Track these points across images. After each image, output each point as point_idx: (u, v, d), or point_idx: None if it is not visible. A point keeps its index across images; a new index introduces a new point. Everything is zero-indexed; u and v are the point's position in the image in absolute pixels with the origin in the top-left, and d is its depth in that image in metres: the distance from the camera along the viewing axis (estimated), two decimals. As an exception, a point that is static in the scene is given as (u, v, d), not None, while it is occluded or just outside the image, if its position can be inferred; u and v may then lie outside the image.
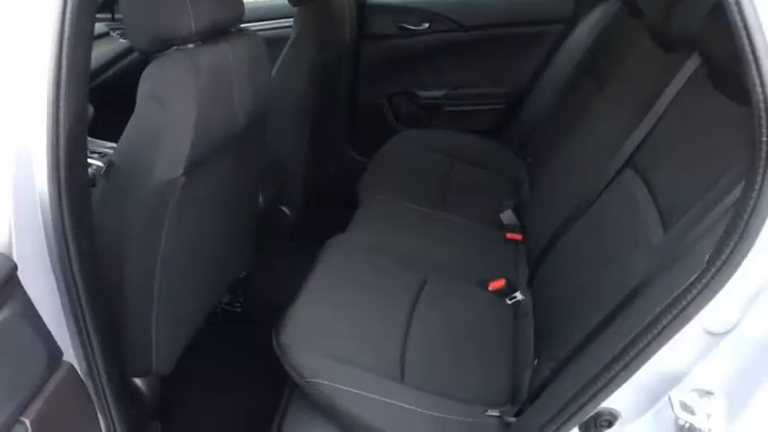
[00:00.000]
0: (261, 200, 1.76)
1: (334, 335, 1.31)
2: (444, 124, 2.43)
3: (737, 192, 0.85)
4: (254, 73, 1.26)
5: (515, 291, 1.55)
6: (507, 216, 1.89)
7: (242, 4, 1.22)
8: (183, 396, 1.59)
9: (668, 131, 1.21)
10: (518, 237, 1.80)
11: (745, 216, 0.69)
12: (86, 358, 0.99)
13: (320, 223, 1.75)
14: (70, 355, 0.97)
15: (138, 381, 1.31)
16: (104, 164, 1.09)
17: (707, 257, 0.73)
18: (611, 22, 1.97)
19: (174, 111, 1.04)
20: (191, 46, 1.08)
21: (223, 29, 1.17)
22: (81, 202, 0.89)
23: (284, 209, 2.00)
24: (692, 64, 1.19)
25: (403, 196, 1.88)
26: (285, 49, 1.82)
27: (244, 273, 1.80)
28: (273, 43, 1.78)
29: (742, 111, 0.97)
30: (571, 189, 1.51)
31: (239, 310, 1.89)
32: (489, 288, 1.56)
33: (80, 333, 0.96)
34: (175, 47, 1.07)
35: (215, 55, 1.11)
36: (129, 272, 1.14)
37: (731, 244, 0.70)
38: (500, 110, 2.41)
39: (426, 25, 2.32)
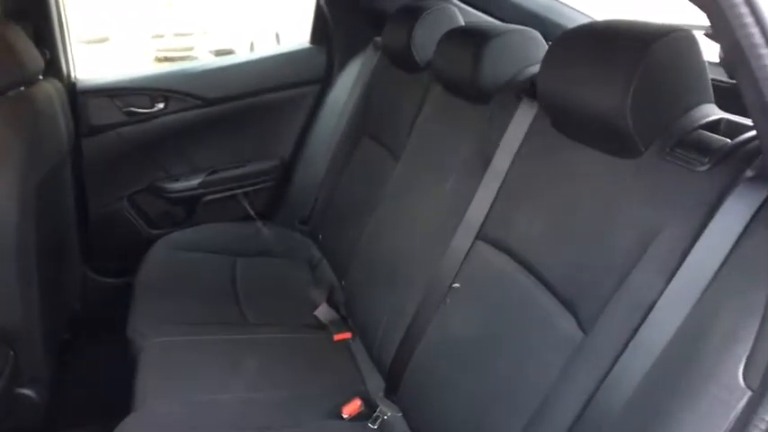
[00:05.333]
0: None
1: None
2: (208, 217, 2.04)
3: (690, 273, 0.71)
4: None
5: (375, 408, 1.27)
6: (324, 312, 1.60)
7: None
8: None
9: (523, 194, 1.06)
10: (347, 335, 1.52)
11: None
12: None
13: (84, 390, 1.26)
14: None
15: None
16: None
17: (741, 373, 0.55)
18: (373, 76, 1.84)
19: None
20: None
21: None
22: None
23: (26, 392, 1.39)
24: (527, 110, 1.07)
25: (193, 328, 1.45)
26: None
27: None
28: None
29: (624, 163, 0.87)
30: (407, 270, 1.29)
31: None
32: (344, 416, 1.25)
33: None
34: None
35: None
36: None
37: None
38: (268, 188, 2.12)
39: (161, 105, 1.92)
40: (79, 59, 1.90)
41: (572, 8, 1.68)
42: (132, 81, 1.91)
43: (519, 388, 0.93)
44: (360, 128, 1.82)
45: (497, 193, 1.11)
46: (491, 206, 1.11)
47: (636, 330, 0.77)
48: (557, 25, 1.62)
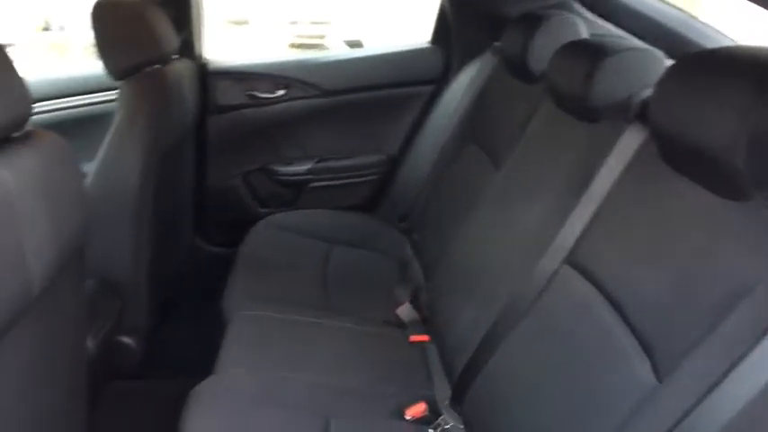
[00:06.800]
0: (91, 341, 1.30)
1: None
2: (313, 202, 2.12)
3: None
4: (57, 195, 0.85)
5: (438, 414, 1.26)
6: (405, 311, 1.61)
7: (27, 94, 0.80)
8: None
9: (618, 223, 1.00)
10: (424, 338, 1.52)
11: None
12: None
13: (177, 346, 1.38)
14: None
15: None
16: None
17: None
18: (488, 81, 1.81)
19: None
20: None
21: None
22: None
23: (126, 340, 1.53)
24: (635, 135, 1.01)
25: (280, 306, 1.52)
26: (109, 137, 1.39)
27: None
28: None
29: (730, 205, 0.79)
30: (489, 284, 1.27)
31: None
32: (407, 417, 1.25)
33: None
34: None
35: None
36: None
37: None
38: (373, 182, 2.16)
39: (282, 92, 2.01)
40: (220, 39, 2.03)
41: (713, 29, 1.54)
42: (257, 67, 2.00)
43: (580, 426, 0.88)
44: (468, 133, 1.80)
45: (592, 218, 1.06)
46: (583, 231, 1.06)
47: (717, 383, 0.72)
48: (691, 44, 1.50)
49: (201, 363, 1.31)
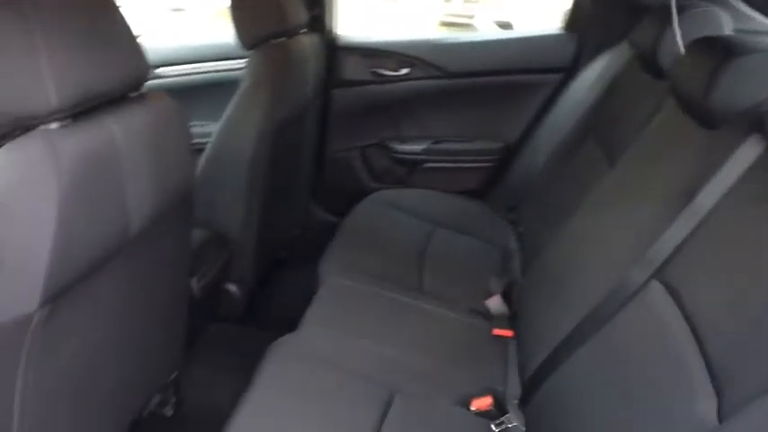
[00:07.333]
0: (196, 284, 1.44)
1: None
2: (424, 183, 2.13)
3: None
4: (163, 151, 0.94)
5: (504, 412, 1.24)
6: (495, 303, 1.58)
7: (143, 58, 0.90)
8: None
9: (716, 244, 0.90)
10: (508, 333, 1.48)
11: None
12: None
13: (278, 299, 1.47)
14: None
15: None
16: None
17: None
18: (619, 74, 1.69)
19: (20, 223, 0.72)
20: (54, 126, 0.76)
21: (109, 97, 0.85)
22: None
23: (231, 287, 1.67)
24: (752, 148, 0.90)
25: (371, 279, 1.57)
26: (233, 101, 1.51)
27: (174, 374, 1.47)
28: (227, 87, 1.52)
29: None
30: (577, 289, 1.21)
31: (170, 413, 1.55)
32: (472, 408, 1.24)
33: None
34: (34, 128, 0.76)
35: (92, 136, 0.80)
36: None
37: None
38: (487, 168, 2.12)
39: (406, 71, 2.04)
40: (372, 14, 2.09)
41: None
42: (384, 44, 2.04)
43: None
44: (589, 128, 1.70)
45: (690, 234, 0.96)
46: (678, 246, 0.97)
47: None
48: None
49: (294, 320, 1.40)
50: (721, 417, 0.72)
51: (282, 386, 1.18)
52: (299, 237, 2.10)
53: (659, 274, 0.98)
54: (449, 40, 2.08)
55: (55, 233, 0.72)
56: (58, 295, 0.78)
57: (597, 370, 1.03)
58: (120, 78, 0.85)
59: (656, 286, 0.98)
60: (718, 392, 0.75)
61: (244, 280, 1.69)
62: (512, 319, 1.53)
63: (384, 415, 1.17)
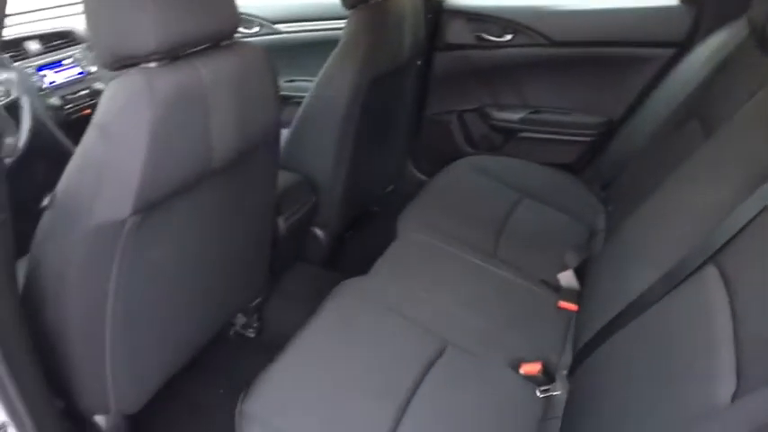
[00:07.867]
0: (282, 223, 1.58)
1: (309, 413, 1.09)
2: (519, 152, 2.12)
3: None
4: (247, 95, 1.06)
5: (552, 380, 1.26)
6: (567, 277, 1.58)
7: (235, 13, 1.01)
8: (173, 423, 1.46)
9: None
10: (573, 307, 1.48)
11: None
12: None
13: (361, 248, 1.57)
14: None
15: (98, 418, 1.19)
16: (51, 196, 0.95)
17: None
18: (733, 52, 1.57)
19: (119, 143, 0.87)
20: (152, 65, 0.90)
21: (203, 43, 0.98)
22: None
23: (317, 231, 1.81)
24: None
25: (446, 238, 1.62)
26: (331, 57, 1.61)
27: (257, 300, 1.64)
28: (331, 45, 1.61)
29: None
30: (638, 267, 1.19)
31: (252, 335, 1.73)
32: (521, 371, 1.28)
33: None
34: (137, 66, 0.90)
35: (183, 76, 0.92)
36: (70, 314, 0.99)
37: None
38: (585, 143, 2.06)
39: (509, 37, 2.02)
40: None
41: None
42: (490, 9, 2.02)
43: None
44: (693, 108, 1.61)
45: (753, 218, 0.92)
46: (740, 230, 0.94)
47: None
48: None
49: (365, 268, 1.50)
50: (735, 398, 0.71)
51: (340, 321, 1.28)
52: (391, 193, 2.18)
53: (716, 258, 0.95)
54: (556, 8, 2.02)
55: (146, 154, 0.87)
56: (147, 208, 0.93)
57: (636, 348, 1.02)
58: (213, 29, 0.97)
59: (711, 271, 0.95)
60: (739, 378, 0.74)
61: (330, 226, 1.81)
62: (581, 295, 1.52)
63: (432, 362, 1.24)
